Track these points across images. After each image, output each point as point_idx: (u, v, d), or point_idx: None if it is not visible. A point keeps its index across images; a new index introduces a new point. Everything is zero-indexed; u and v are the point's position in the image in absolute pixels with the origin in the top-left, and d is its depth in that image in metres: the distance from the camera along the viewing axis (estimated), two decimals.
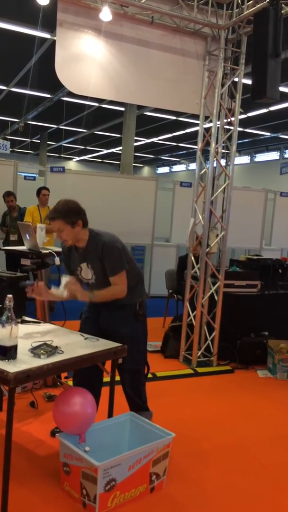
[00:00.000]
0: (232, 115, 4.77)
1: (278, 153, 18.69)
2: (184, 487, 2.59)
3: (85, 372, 2.76)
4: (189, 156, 22.79)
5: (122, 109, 12.29)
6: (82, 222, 2.73)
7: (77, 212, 2.72)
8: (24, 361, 2.16)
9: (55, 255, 3.59)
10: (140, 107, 11.93)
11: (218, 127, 4.74)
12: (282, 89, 5.57)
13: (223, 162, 4.89)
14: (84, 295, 2.78)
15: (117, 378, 2.72)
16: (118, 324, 2.87)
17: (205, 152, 4.85)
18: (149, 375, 3.41)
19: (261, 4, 4.08)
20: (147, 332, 3.09)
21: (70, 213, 2.70)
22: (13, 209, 6.63)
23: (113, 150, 21.14)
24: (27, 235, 3.73)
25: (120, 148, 13.74)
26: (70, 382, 3.75)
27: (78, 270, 2.88)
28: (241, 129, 12.69)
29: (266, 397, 4.07)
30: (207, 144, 4.76)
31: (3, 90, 12.07)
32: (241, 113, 4.85)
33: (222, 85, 4.68)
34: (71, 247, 2.87)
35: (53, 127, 17.17)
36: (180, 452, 2.90)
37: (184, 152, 21.53)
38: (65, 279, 2.82)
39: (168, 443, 2.52)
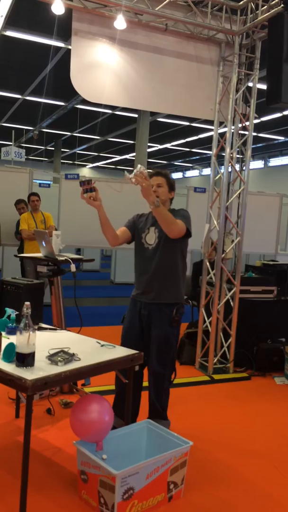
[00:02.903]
0: (247, 120, 4.75)
1: None
2: (202, 496, 2.56)
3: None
4: (202, 161, 22.76)
5: (135, 115, 12.35)
6: (172, 197, 3.10)
7: (174, 187, 3.09)
8: (42, 368, 2.16)
9: (71, 262, 3.60)
10: (153, 114, 11.97)
11: (232, 132, 4.73)
12: None
13: (237, 167, 4.87)
14: (151, 193, 2.68)
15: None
16: (153, 325, 3.02)
17: (219, 157, 4.83)
18: None
19: (276, 9, 4.07)
20: (179, 338, 3.17)
21: (173, 182, 3.10)
22: None
23: (127, 156, 21.22)
24: (43, 242, 3.75)
25: (134, 154, 13.79)
26: (87, 389, 3.75)
27: (145, 233, 3.08)
28: (254, 133, 12.63)
29: (284, 404, 4.01)
30: (222, 149, 4.75)
31: (18, 98, 12.24)
32: (255, 118, 4.83)
33: (237, 91, 4.67)
34: (143, 214, 3.18)
35: (67, 134, 17.33)
36: (198, 460, 2.88)
37: (197, 157, 21.51)
38: (141, 166, 2.67)
39: (186, 451, 2.49)
